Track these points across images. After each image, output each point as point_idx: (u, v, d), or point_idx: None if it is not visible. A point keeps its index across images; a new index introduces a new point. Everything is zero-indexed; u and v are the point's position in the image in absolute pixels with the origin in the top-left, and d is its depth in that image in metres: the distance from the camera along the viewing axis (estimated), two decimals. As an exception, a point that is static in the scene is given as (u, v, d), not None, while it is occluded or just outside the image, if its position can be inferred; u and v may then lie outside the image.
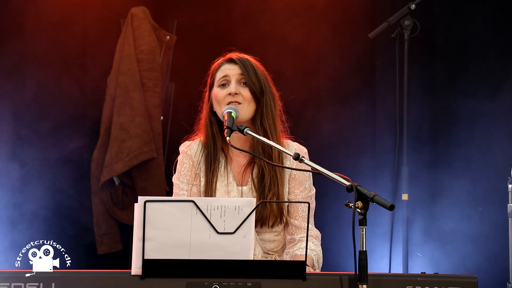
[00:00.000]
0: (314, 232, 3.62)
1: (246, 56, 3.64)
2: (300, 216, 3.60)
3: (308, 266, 3.42)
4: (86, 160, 6.06)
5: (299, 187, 3.63)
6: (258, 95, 3.58)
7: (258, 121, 3.57)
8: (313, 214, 3.65)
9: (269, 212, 3.54)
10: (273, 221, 3.56)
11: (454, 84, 6.14)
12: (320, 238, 3.65)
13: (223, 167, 3.61)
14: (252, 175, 3.60)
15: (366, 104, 6.26)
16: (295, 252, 3.55)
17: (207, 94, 3.66)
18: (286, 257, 3.60)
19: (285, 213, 3.60)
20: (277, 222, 3.57)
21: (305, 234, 3.57)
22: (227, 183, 3.60)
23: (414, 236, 5.99)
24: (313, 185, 3.70)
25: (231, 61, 3.62)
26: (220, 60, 3.65)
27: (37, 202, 5.96)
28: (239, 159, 3.64)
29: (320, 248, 3.60)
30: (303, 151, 3.65)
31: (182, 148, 3.70)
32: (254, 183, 3.58)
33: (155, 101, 6.03)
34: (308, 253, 3.47)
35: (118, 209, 6.01)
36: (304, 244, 3.53)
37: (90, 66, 6.18)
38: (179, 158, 3.68)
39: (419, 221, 6.06)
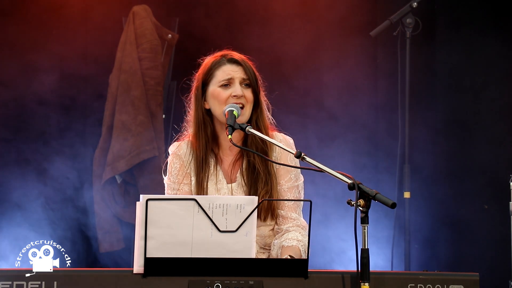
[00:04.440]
0: (302, 222, 3.62)
1: (243, 56, 3.65)
2: (287, 206, 3.62)
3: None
4: (88, 159, 6.06)
5: (284, 177, 3.64)
6: (258, 96, 3.60)
7: (254, 120, 3.60)
8: (302, 204, 3.65)
9: (261, 206, 3.56)
10: (265, 215, 3.58)
11: (456, 82, 6.14)
12: (306, 227, 3.65)
13: (212, 167, 3.63)
14: (241, 169, 3.61)
15: (368, 101, 6.26)
16: (282, 243, 3.54)
17: (199, 90, 3.63)
18: (274, 247, 3.60)
19: (276, 208, 3.62)
20: (268, 216, 3.59)
21: (291, 224, 3.60)
22: (217, 182, 3.62)
23: (416, 234, 5.99)
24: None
25: (234, 62, 3.61)
26: (218, 57, 3.63)
27: (38, 201, 5.96)
28: (228, 158, 3.66)
29: (307, 238, 3.59)
30: (289, 141, 3.67)
31: (171, 149, 3.72)
32: (244, 178, 3.60)
33: (157, 100, 6.03)
34: (295, 244, 3.50)
35: (120, 208, 6.02)
36: (291, 235, 3.55)
37: (92, 64, 6.18)
38: (169, 159, 3.70)
39: (421, 219, 6.06)
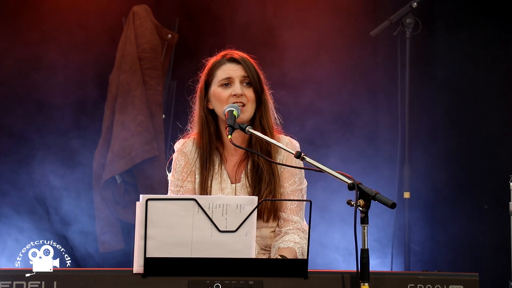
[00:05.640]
0: (303, 225, 3.62)
1: (245, 55, 3.64)
2: (289, 209, 3.61)
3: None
4: (88, 159, 6.06)
5: (288, 180, 3.63)
6: (260, 95, 3.59)
7: (258, 120, 3.58)
8: (304, 208, 3.65)
9: (264, 207, 3.55)
10: (268, 216, 3.57)
11: (456, 81, 6.14)
12: (307, 231, 3.64)
13: (217, 166, 3.62)
14: (246, 170, 3.61)
15: (368, 102, 6.26)
16: (278, 245, 3.54)
17: (202, 91, 3.64)
18: (273, 249, 3.60)
19: (279, 210, 3.61)
20: (271, 217, 3.59)
21: (292, 227, 3.60)
22: (221, 181, 3.61)
23: (415, 234, 5.99)
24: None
25: (233, 60, 3.60)
26: (219, 57, 3.63)
27: (38, 200, 5.96)
28: (233, 158, 3.65)
29: (305, 241, 3.58)
30: (295, 145, 3.67)
31: (177, 145, 3.71)
32: (248, 179, 3.59)
33: (157, 99, 6.03)
34: (291, 245, 3.50)
35: (120, 208, 6.02)
36: (289, 237, 3.55)
37: (92, 64, 6.18)
38: (174, 156, 3.70)
39: (420, 219, 6.05)
